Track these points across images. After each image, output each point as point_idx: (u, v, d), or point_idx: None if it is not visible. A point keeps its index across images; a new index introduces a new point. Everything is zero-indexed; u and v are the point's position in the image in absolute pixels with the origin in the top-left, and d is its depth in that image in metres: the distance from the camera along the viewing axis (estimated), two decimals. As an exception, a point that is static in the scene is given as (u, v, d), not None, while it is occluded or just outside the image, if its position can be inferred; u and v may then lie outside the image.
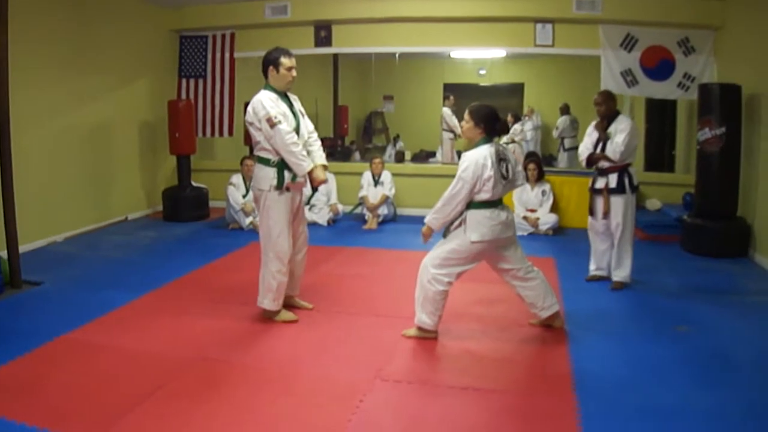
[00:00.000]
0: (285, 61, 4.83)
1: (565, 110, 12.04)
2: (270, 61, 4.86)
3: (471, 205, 4.46)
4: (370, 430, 3.40)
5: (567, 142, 11.97)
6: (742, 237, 7.17)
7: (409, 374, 4.10)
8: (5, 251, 5.92)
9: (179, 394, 3.77)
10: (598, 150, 5.85)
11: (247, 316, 5.12)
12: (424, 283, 4.58)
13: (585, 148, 5.98)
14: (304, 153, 4.80)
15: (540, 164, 8.70)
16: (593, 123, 6.00)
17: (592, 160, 5.90)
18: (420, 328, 4.65)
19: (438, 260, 4.55)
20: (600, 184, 5.90)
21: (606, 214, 5.86)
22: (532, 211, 8.50)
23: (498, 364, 4.26)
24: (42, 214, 7.57)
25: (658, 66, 8.74)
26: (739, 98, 7.19)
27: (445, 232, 4.63)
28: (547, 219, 8.37)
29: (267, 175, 4.84)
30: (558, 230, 8.43)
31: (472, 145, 4.55)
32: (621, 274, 5.91)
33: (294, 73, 4.89)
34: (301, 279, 5.35)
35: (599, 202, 5.91)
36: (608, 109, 5.83)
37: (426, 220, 4.61)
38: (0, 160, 5.81)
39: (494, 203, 4.49)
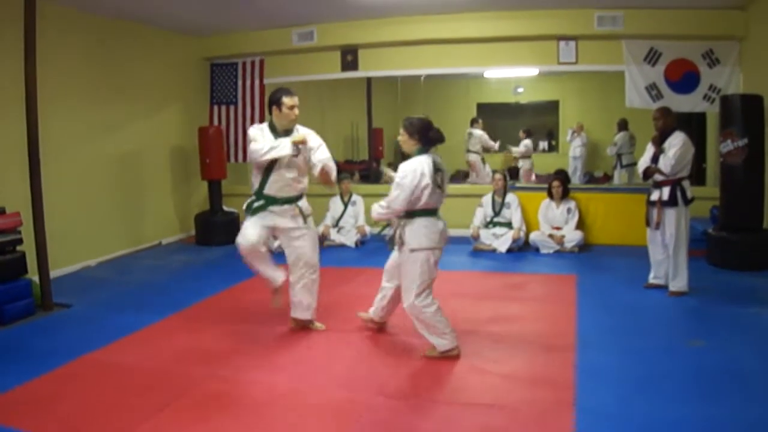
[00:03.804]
0: (286, 100, 5.03)
1: (622, 126, 11.96)
2: (273, 102, 5.08)
3: (411, 213, 4.59)
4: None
5: (625, 159, 11.93)
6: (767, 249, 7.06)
7: (411, 391, 4.16)
8: (37, 275, 6.14)
9: (186, 410, 3.90)
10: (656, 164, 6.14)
11: (261, 336, 5.25)
12: (419, 317, 4.65)
13: (643, 161, 6.28)
14: (277, 142, 4.95)
15: (565, 182, 8.68)
16: (652, 138, 6.25)
17: (647, 173, 6.20)
18: (442, 352, 4.68)
19: (414, 291, 4.60)
20: (654, 196, 6.18)
21: (658, 225, 6.11)
22: (558, 228, 8.48)
23: (502, 380, 4.28)
24: (75, 240, 7.81)
25: (683, 79, 8.67)
26: (761, 109, 7.13)
27: (390, 243, 4.80)
28: (572, 236, 8.34)
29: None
30: (584, 247, 8.39)
31: (410, 155, 4.72)
32: (678, 284, 6.13)
33: (296, 111, 5.08)
34: (312, 306, 5.36)
35: (653, 214, 6.17)
36: (665, 125, 6.10)
37: (373, 214, 4.74)
38: (31, 187, 6.06)
39: (432, 212, 4.64)
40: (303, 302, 5.28)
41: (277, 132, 5.10)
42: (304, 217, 5.21)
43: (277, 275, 5.30)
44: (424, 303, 4.60)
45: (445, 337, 4.63)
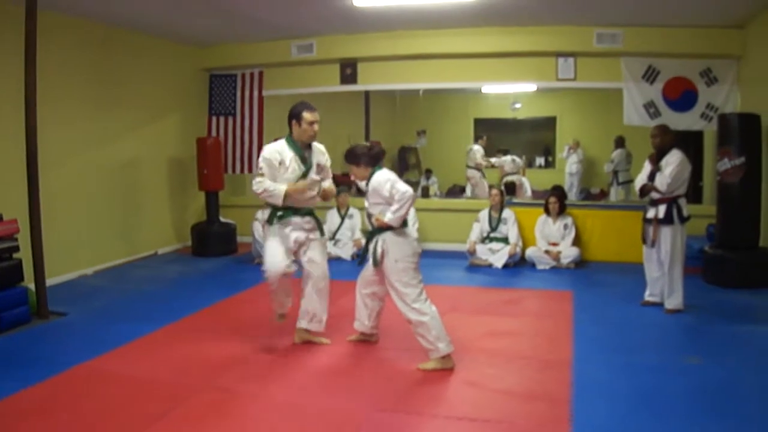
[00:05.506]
0: (307, 115, 5.05)
1: (619, 143, 11.96)
2: (293, 115, 5.09)
3: (389, 227, 4.69)
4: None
5: (621, 176, 11.93)
6: (764, 267, 7.06)
7: (408, 405, 4.15)
8: (33, 283, 6.13)
9: (182, 420, 3.89)
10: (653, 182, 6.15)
11: (259, 347, 5.23)
12: (420, 321, 4.65)
13: (640, 179, 6.30)
14: (273, 187, 4.98)
15: (561, 198, 8.70)
16: (649, 155, 6.27)
17: (644, 190, 6.22)
18: (440, 359, 4.68)
19: (412, 295, 4.67)
20: (650, 214, 6.20)
21: (654, 243, 6.11)
22: (555, 244, 8.49)
23: (498, 395, 4.27)
24: (72, 248, 7.80)
25: (681, 97, 8.71)
26: (758, 128, 7.16)
27: (373, 259, 4.83)
28: (569, 252, 8.35)
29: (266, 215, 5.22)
30: (580, 263, 8.40)
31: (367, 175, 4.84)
32: (673, 302, 6.13)
33: (316, 127, 5.10)
34: (324, 318, 5.35)
35: (649, 231, 6.18)
36: (662, 142, 6.13)
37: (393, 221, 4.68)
38: (29, 194, 6.07)
39: (405, 222, 4.76)
40: (317, 313, 5.27)
41: (297, 146, 5.11)
42: (321, 229, 5.32)
43: (287, 302, 5.33)
44: (425, 305, 4.66)
45: (444, 340, 4.65)
